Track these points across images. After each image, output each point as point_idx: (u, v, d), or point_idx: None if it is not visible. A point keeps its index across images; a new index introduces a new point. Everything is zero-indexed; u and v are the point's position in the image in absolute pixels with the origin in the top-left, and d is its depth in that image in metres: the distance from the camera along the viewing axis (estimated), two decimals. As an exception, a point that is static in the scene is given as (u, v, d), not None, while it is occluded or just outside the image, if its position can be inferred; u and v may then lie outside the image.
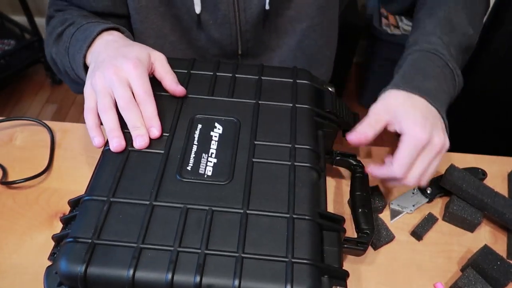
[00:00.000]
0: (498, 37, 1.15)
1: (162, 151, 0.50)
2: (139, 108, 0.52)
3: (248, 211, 0.45)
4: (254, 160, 0.50)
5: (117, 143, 0.50)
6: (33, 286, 0.54)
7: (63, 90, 2.01)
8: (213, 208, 0.45)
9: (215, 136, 0.52)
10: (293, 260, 0.41)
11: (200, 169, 0.48)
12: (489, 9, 1.16)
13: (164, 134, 0.51)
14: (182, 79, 0.57)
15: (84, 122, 0.54)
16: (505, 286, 0.54)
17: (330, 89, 0.61)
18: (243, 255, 0.41)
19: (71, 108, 1.93)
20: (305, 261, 0.42)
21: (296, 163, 0.49)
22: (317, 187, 0.50)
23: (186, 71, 0.59)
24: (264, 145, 0.51)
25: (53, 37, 0.66)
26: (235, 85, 0.58)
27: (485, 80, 1.22)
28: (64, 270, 0.41)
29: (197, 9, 0.66)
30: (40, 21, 1.91)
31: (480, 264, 0.55)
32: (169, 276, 0.40)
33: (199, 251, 0.41)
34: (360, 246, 0.52)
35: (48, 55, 0.69)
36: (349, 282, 0.48)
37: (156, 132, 0.51)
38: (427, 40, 0.62)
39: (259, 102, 0.56)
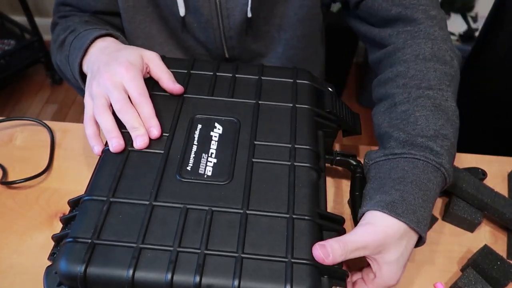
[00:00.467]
0: (498, 37, 1.14)
1: (162, 151, 0.50)
2: (136, 109, 0.52)
3: (247, 211, 0.45)
4: (254, 160, 0.49)
5: (116, 143, 0.50)
6: (33, 286, 0.54)
7: (63, 90, 2.01)
8: (213, 208, 0.45)
9: (215, 136, 0.52)
10: (293, 260, 0.41)
11: (200, 169, 0.48)
12: (489, 9, 1.16)
13: (164, 134, 0.51)
14: (182, 79, 0.57)
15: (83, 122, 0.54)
16: (505, 286, 0.54)
17: (330, 89, 0.61)
18: (242, 255, 0.41)
19: (71, 108, 1.93)
20: (304, 261, 0.42)
21: (296, 163, 0.49)
22: (317, 187, 0.50)
23: (186, 71, 0.59)
24: (264, 145, 0.51)
25: (57, 45, 0.67)
26: (235, 85, 0.58)
27: (485, 80, 1.22)
28: (64, 270, 0.41)
29: (181, 11, 0.67)
30: (40, 21, 1.91)
31: (480, 264, 0.55)
32: (169, 276, 0.40)
33: (199, 251, 0.41)
34: None
35: (54, 63, 0.70)
36: (349, 282, 0.48)
37: (155, 132, 0.51)
38: (428, 146, 0.51)
39: (259, 102, 0.56)
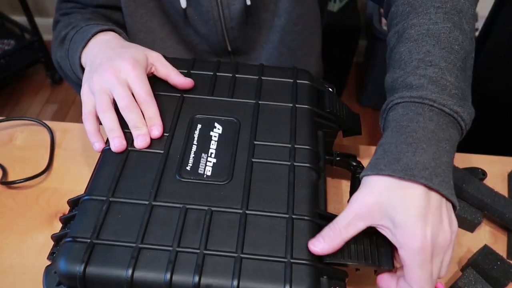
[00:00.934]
0: (498, 37, 1.14)
1: (162, 151, 0.50)
2: (140, 108, 0.52)
3: (247, 211, 0.45)
4: (253, 160, 0.49)
5: (118, 143, 0.50)
6: (33, 286, 0.54)
7: (63, 90, 2.01)
8: (212, 208, 0.45)
9: (215, 136, 0.52)
10: (292, 260, 0.42)
11: (200, 169, 0.48)
12: (489, 9, 1.16)
13: (164, 134, 0.52)
14: None
15: (84, 123, 0.54)
16: (505, 286, 0.54)
17: (330, 89, 0.61)
18: (242, 255, 0.41)
19: (71, 108, 1.93)
20: (304, 262, 0.42)
21: (295, 163, 0.49)
22: (317, 188, 0.50)
23: (186, 71, 0.59)
24: (263, 145, 0.51)
25: (58, 41, 0.67)
26: (235, 85, 0.58)
27: (485, 80, 1.22)
28: (63, 269, 0.41)
29: (183, 3, 0.67)
30: (40, 21, 1.91)
31: (480, 264, 0.55)
32: (168, 276, 0.40)
33: (198, 251, 0.41)
34: None
35: (55, 60, 0.69)
36: (348, 282, 0.48)
37: (157, 132, 0.51)
38: (407, 82, 0.45)
39: (259, 102, 0.56)
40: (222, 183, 0.47)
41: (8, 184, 0.64)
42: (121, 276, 0.40)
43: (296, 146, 0.51)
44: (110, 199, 0.45)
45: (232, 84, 0.58)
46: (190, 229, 0.43)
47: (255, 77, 0.59)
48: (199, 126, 0.53)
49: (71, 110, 1.92)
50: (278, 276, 0.40)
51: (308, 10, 0.74)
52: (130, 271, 0.40)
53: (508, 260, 0.55)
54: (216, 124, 0.53)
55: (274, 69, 0.61)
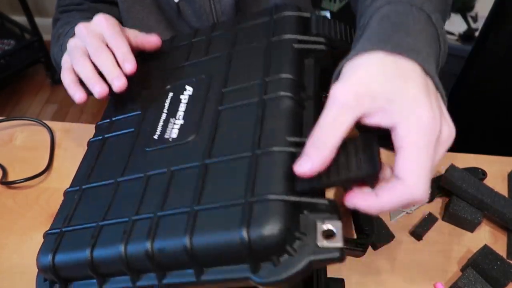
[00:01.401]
0: (498, 37, 1.14)
1: (133, 129, 0.48)
2: (112, 52, 0.50)
3: (206, 162, 0.40)
4: (220, 108, 0.45)
5: (99, 88, 0.48)
6: (33, 286, 0.54)
7: (63, 90, 1.98)
8: (172, 168, 0.41)
9: (185, 99, 0.48)
10: (252, 199, 0.34)
11: (166, 134, 0.46)
12: (489, 9, 1.16)
13: (135, 113, 0.50)
14: (162, 58, 0.56)
15: (83, 122, 0.54)
16: (505, 286, 0.54)
17: (325, 14, 0.54)
18: (196, 207, 0.36)
19: (71, 108, 1.93)
20: (267, 198, 0.34)
21: (265, 97, 0.42)
22: (297, 117, 0.41)
23: (165, 51, 0.57)
24: (232, 90, 0.46)
25: (55, 39, 0.67)
26: (210, 44, 0.54)
27: (485, 80, 1.22)
28: (40, 263, 0.41)
29: None
30: (40, 21, 1.91)
31: (480, 264, 0.55)
32: (122, 248, 0.37)
33: (153, 215, 0.38)
34: (359, 247, 0.51)
35: (52, 57, 0.70)
36: (348, 283, 0.48)
37: (130, 66, 0.48)
38: None
39: (232, 50, 0.50)
40: (186, 141, 0.44)
41: (8, 184, 0.64)
42: (83, 257, 0.38)
43: (267, 79, 0.44)
44: (83, 187, 0.45)
45: (207, 44, 0.54)
46: (148, 196, 0.40)
47: (231, 30, 0.54)
48: (170, 94, 0.50)
49: (71, 110, 1.92)
50: (234, 221, 0.34)
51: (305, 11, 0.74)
52: (89, 251, 0.38)
53: (508, 260, 0.56)
54: (187, 87, 0.50)
55: (251, 14, 0.55)
